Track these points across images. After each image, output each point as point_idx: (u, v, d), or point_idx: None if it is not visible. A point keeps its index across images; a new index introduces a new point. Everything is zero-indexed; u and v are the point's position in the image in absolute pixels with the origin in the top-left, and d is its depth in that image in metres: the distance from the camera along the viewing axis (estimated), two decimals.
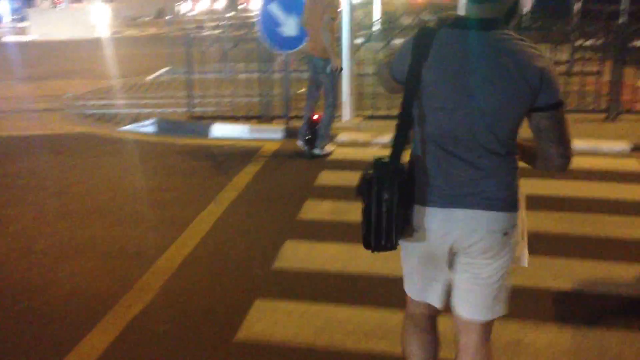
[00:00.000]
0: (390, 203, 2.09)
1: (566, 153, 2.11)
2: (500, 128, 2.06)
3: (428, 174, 2.14)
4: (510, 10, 2.11)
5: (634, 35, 9.13)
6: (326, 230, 4.99)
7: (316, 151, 7.08)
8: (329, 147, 7.21)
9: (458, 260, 2.24)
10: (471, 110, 2.05)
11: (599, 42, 10.22)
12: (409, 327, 2.48)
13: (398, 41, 11.76)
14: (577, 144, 7.40)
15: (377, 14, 17.59)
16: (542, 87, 2.02)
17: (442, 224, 2.15)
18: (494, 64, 2.02)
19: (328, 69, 6.73)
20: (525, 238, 2.32)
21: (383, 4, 18.67)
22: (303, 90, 8.06)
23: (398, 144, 2.12)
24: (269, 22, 7.90)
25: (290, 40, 7.94)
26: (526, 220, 2.30)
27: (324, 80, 6.86)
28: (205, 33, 15.70)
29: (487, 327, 2.29)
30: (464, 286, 2.26)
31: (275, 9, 7.92)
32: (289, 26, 7.90)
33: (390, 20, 13.51)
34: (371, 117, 8.58)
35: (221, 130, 8.28)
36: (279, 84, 8.66)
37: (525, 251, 2.32)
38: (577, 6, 13.40)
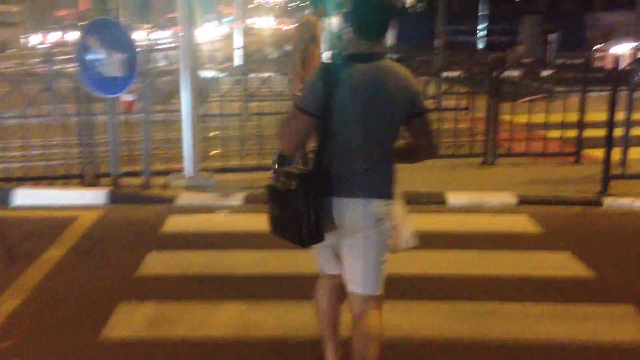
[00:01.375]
0: (317, 204, 2.63)
1: (434, 143, 2.81)
2: (388, 137, 2.70)
3: (337, 175, 2.66)
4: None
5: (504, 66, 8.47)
6: None
7: None
8: None
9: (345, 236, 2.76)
10: (369, 126, 2.63)
11: (464, 75, 9.54)
12: (322, 293, 3.05)
13: (258, 74, 10.61)
14: (457, 199, 6.37)
15: (238, 46, 16.34)
16: (416, 99, 2.68)
17: (338, 210, 2.69)
18: (382, 89, 2.62)
19: None
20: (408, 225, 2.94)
21: (247, 36, 17.52)
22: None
23: (319, 156, 2.67)
24: (88, 61, 6.37)
25: (114, 83, 6.44)
26: (406, 210, 2.95)
27: None
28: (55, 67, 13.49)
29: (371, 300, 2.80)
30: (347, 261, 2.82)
31: (94, 44, 6.40)
32: (112, 66, 6.40)
33: (251, 54, 12.37)
34: (222, 170, 7.19)
35: (26, 197, 6.50)
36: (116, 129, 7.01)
37: (409, 235, 2.94)
38: (438, 41, 12.89)
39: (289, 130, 2.70)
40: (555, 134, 8.05)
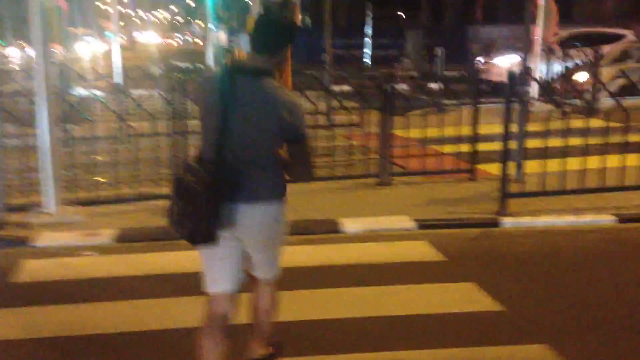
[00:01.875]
0: (217, 205, 2.71)
1: (309, 170, 2.91)
2: (265, 147, 2.80)
3: (231, 180, 2.76)
4: (279, 62, 2.91)
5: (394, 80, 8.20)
6: None
7: None
8: None
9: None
10: (247, 134, 2.76)
11: (354, 89, 9.23)
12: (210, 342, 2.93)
13: (140, 92, 9.79)
14: (352, 225, 5.78)
15: (117, 64, 15.36)
16: (290, 126, 2.75)
17: (237, 214, 2.81)
18: (258, 103, 2.75)
19: None
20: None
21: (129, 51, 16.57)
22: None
23: (216, 158, 2.76)
24: None
25: None
26: None
27: None
28: None
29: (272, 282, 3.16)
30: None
31: None
32: None
33: (132, 70, 11.64)
34: (91, 203, 6.37)
35: None
36: None
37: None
38: (325, 56, 12.62)
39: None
40: (449, 149, 7.83)
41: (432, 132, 7.65)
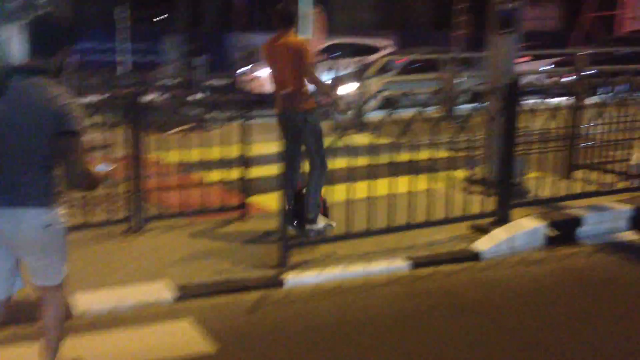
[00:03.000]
0: None
1: (74, 171, 2.77)
2: (34, 151, 2.74)
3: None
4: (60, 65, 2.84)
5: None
6: None
7: (317, 227, 5.40)
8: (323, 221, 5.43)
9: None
10: (14, 137, 2.72)
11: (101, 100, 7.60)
12: None
13: None
14: (89, 304, 4.16)
15: None
16: (58, 118, 2.69)
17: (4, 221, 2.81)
18: (24, 102, 2.70)
19: (311, 122, 5.22)
20: None
21: None
22: None
23: None
24: None
25: None
26: None
27: (308, 138, 5.25)
28: None
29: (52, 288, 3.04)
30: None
31: None
32: None
33: None
34: None
35: None
36: None
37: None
38: (71, 61, 10.68)
39: None
40: (215, 176, 6.58)
41: (194, 156, 6.36)
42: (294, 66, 5.28)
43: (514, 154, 5.88)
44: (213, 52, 24.94)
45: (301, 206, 5.45)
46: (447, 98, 10.45)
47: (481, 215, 5.82)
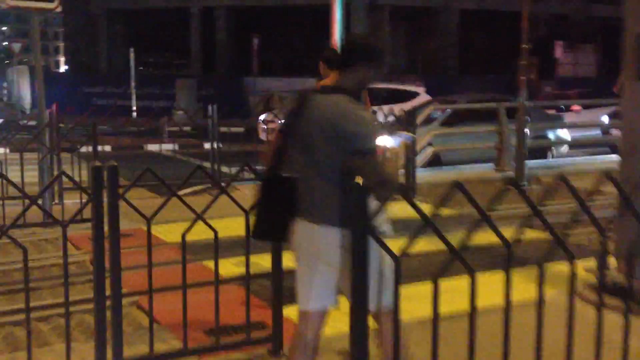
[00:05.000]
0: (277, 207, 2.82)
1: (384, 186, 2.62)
2: (332, 164, 2.68)
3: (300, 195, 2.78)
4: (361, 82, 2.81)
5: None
6: None
7: None
8: None
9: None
10: (317, 152, 2.71)
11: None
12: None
13: None
14: None
15: None
16: (355, 137, 2.63)
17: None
18: (324, 119, 2.70)
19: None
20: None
21: None
22: None
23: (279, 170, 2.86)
24: None
25: None
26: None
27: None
28: None
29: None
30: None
31: None
32: None
33: None
34: None
35: None
36: None
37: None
38: None
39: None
40: (229, 268, 4.69)
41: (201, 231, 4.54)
42: None
43: None
44: (227, 95, 23.52)
45: None
46: (518, 154, 8.60)
47: None
